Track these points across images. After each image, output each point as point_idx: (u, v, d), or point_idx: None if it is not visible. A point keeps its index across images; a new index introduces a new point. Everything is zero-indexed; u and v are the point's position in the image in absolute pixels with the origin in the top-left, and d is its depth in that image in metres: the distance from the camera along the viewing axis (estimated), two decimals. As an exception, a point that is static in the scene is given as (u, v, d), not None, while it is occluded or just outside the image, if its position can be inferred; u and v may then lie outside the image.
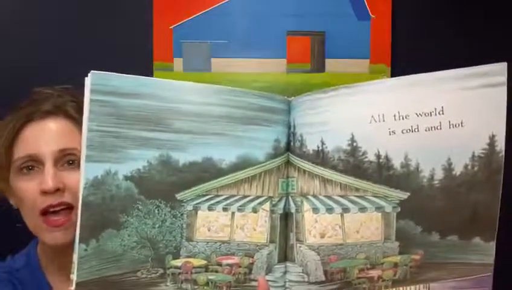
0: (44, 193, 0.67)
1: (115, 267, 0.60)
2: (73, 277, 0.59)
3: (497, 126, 0.59)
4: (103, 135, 0.59)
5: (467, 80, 0.58)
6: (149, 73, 1.02)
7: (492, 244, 0.62)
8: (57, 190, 0.67)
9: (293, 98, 0.65)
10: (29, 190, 0.68)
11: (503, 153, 0.60)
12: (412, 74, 0.90)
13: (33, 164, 0.69)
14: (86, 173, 0.59)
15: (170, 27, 1.01)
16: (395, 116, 0.59)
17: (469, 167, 0.60)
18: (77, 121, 0.70)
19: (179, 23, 1.01)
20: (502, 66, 0.57)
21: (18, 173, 0.69)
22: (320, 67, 1.01)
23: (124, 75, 0.63)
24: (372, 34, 1.01)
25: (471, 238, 0.61)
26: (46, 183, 0.67)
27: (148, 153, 0.61)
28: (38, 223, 0.69)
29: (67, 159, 0.70)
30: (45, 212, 0.68)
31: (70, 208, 0.68)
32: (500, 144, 0.59)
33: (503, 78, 0.58)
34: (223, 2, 1.00)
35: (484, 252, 0.61)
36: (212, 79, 1.00)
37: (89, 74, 0.60)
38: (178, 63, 1.01)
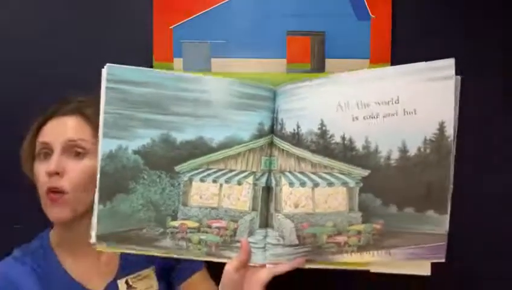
0: (47, 174, 0.77)
1: (125, 224, 0.74)
2: (93, 232, 0.73)
3: (447, 114, 0.67)
4: (116, 117, 0.73)
5: (419, 73, 0.67)
6: None
7: (445, 217, 0.70)
8: (57, 174, 0.77)
9: (277, 86, 0.76)
10: (41, 172, 0.78)
11: (452, 137, 0.68)
12: None
13: (47, 151, 0.79)
14: (103, 147, 0.72)
15: (170, 27, 1.01)
16: (357, 104, 0.69)
17: (421, 150, 0.69)
18: (90, 118, 0.79)
19: (179, 23, 1.02)
20: (450, 62, 0.66)
21: (37, 158, 0.80)
22: (320, 67, 1.02)
23: (133, 67, 0.76)
24: (372, 34, 1.01)
25: (426, 211, 0.70)
26: (48, 167, 0.77)
27: (152, 132, 0.74)
28: (44, 201, 0.79)
29: (75, 150, 0.79)
30: (48, 192, 0.78)
31: (64, 192, 0.77)
32: (449, 130, 0.68)
33: (452, 72, 0.66)
34: (223, 2, 1.01)
35: (437, 223, 0.70)
36: None
37: (105, 66, 0.74)
38: (178, 63, 1.02)
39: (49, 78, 0.98)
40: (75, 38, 1.03)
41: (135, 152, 0.73)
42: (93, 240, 0.73)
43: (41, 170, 0.79)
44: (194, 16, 1.02)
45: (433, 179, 0.69)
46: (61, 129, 0.80)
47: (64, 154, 0.78)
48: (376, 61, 1.02)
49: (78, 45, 1.03)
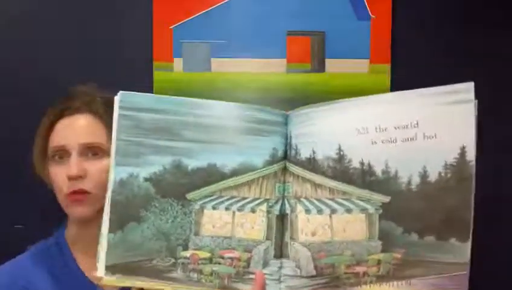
0: (70, 178, 0.79)
1: (135, 254, 0.71)
2: (100, 263, 0.70)
3: (467, 138, 0.66)
4: (128, 144, 0.71)
5: (438, 97, 0.66)
6: (149, 73, 1.02)
7: (467, 245, 0.67)
8: (79, 177, 0.79)
9: (290, 111, 0.75)
10: (59, 175, 0.80)
11: (474, 162, 0.66)
12: (412, 73, 0.94)
13: (62, 153, 0.80)
14: (114, 175, 0.70)
15: (170, 27, 1.01)
16: (376, 128, 0.68)
17: (442, 175, 0.67)
18: (102, 117, 0.81)
19: (179, 23, 1.02)
20: (469, 86, 0.65)
21: (52, 160, 0.82)
22: (320, 67, 1.01)
23: (145, 94, 0.74)
24: (372, 34, 1.01)
25: (448, 239, 0.68)
26: (71, 170, 0.78)
27: (163, 159, 0.71)
28: (65, 201, 0.81)
29: (92, 151, 0.80)
30: (70, 194, 0.80)
31: (88, 192, 0.80)
32: (470, 154, 0.66)
33: (471, 96, 0.65)
34: (223, 2, 1.01)
35: (459, 252, 0.67)
36: (212, 79, 1.01)
37: (118, 93, 0.72)
38: (178, 63, 1.02)
39: (48, 78, 0.97)
40: (75, 39, 1.03)
41: (146, 179, 0.71)
42: (100, 272, 0.70)
43: (60, 172, 0.80)
44: (194, 16, 1.02)
45: (455, 205, 0.67)
46: (75, 131, 0.81)
47: (82, 155, 0.80)
48: (376, 61, 1.02)
49: (78, 45, 1.03)
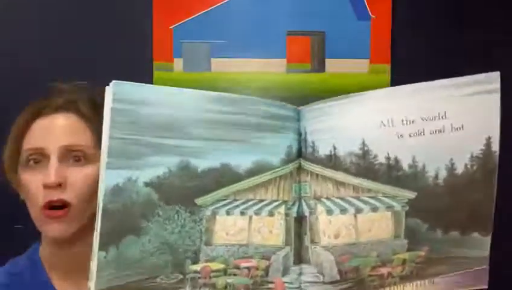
0: (47, 187, 0.67)
1: (134, 273, 0.60)
2: (91, 285, 0.59)
3: (493, 129, 0.65)
4: (124, 143, 0.60)
5: (465, 87, 0.65)
6: (149, 73, 1.02)
7: (489, 239, 0.67)
8: (59, 185, 0.67)
9: (302, 107, 0.69)
10: (33, 182, 0.68)
11: (498, 153, 0.66)
12: (412, 73, 0.94)
13: (39, 157, 0.69)
14: (106, 180, 0.59)
15: (170, 27, 1.01)
16: (402, 121, 0.65)
17: (468, 167, 0.65)
18: (88, 118, 0.71)
19: (179, 23, 1.02)
20: (496, 75, 0.64)
21: (25, 165, 0.70)
22: (320, 67, 1.02)
23: (145, 84, 0.65)
24: (372, 34, 1.03)
25: (471, 233, 0.66)
26: (48, 177, 0.67)
27: (168, 159, 0.62)
28: (39, 216, 0.69)
29: (73, 155, 0.70)
30: (45, 207, 0.68)
31: (66, 205, 0.68)
32: (495, 145, 0.66)
33: (497, 86, 0.65)
34: (223, 2, 1.01)
35: (481, 246, 0.66)
36: (212, 79, 1.01)
37: (110, 84, 0.62)
38: (178, 63, 1.02)
39: (48, 78, 0.91)
40: (75, 39, 1.03)
41: (147, 184, 0.61)
42: None
43: (34, 180, 0.68)
44: (194, 16, 1.02)
45: (479, 198, 0.66)
46: (55, 132, 0.70)
47: (62, 161, 0.69)
48: (376, 61, 1.03)
49: (78, 45, 1.03)
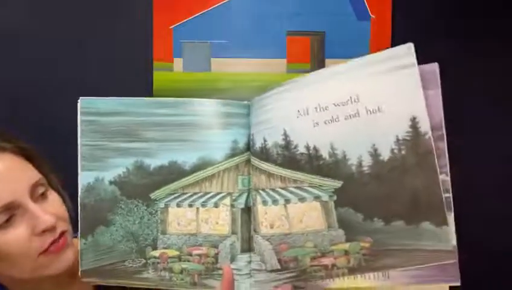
0: (44, 231, 0.64)
1: (107, 257, 0.73)
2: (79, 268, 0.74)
3: (417, 108, 0.57)
4: (91, 148, 0.74)
5: (376, 65, 0.58)
6: (149, 73, 1.02)
7: (446, 229, 0.59)
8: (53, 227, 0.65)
9: (250, 101, 0.72)
10: (19, 239, 0.62)
11: (430, 134, 0.58)
12: None
13: (10, 213, 0.62)
14: (81, 180, 0.74)
15: (170, 27, 1.02)
16: (316, 108, 0.62)
17: (396, 151, 0.59)
18: (16, 151, 0.67)
19: (179, 23, 1.03)
20: (409, 46, 0.56)
21: None
22: (320, 68, 0.97)
23: (105, 97, 0.77)
24: (372, 34, 0.99)
25: (419, 223, 0.60)
26: (44, 222, 0.63)
27: (126, 160, 0.73)
28: (40, 262, 0.65)
29: (39, 192, 0.67)
30: (48, 247, 0.65)
31: (64, 233, 0.68)
32: (424, 126, 0.57)
33: (412, 59, 0.56)
34: (223, 2, 1.02)
35: (437, 237, 0.59)
36: (212, 79, 1.02)
37: (78, 100, 0.76)
38: (178, 63, 1.03)
39: (48, 79, 0.99)
40: (75, 39, 1.04)
41: (111, 182, 0.73)
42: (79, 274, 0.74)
43: (18, 235, 0.62)
44: (194, 16, 1.04)
45: (419, 185, 0.58)
46: (12, 177, 0.63)
47: (34, 201, 0.65)
48: None
49: (78, 45, 1.04)
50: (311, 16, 1.01)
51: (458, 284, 0.60)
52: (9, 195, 0.63)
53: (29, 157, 0.69)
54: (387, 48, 0.95)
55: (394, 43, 0.97)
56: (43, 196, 0.68)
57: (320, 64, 1.01)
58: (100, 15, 1.04)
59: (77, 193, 0.73)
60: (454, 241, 0.59)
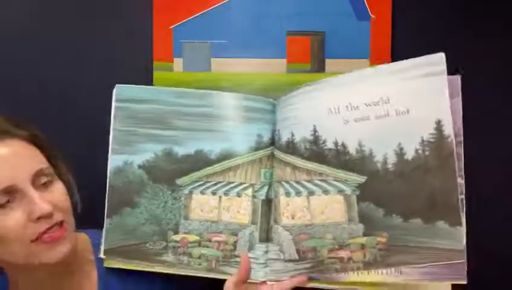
0: (39, 218, 0.63)
1: (130, 238, 0.76)
2: (101, 246, 0.76)
3: (442, 112, 0.62)
4: (123, 133, 0.77)
5: (409, 70, 0.63)
6: (149, 73, 1.02)
7: (460, 230, 0.63)
8: (50, 214, 0.64)
9: (276, 100, 0.76)
10: (14, 223, 0.62)
11: (453, 138, 0.62)
12: None
13: (8, 196, 0.62)
14: (111, 162, 0.76)
15: (170, 27, 1.02)
16: (347, 107, 0.67)
17: (420, 152, 0.64)
18: (28, 138, 0.67)
19: (179, 23, 1.02)
20: (440, 56, 0.62)
21: None
22: (320, 68, 1.00)
23: (140, 86, 0.80)
24: (372, 34, 0.99)
25: (435, 222, 0.63)
26: (40, 209, 0.62)
27: (156, 146, 0.76)
28: (33, 250, 0.63)
29: (41, 180, 0.65)
30: (40, 236, 0.63)
31: (62, 223, 0.66)
32: (448, 130, 0.62)
33: (442, 67, 0.62)
34: (223, 2, 1.01)
35: (451, 237, 0.63)
36: (212, 79, 1.01)
37: (115, 87, 0.79)
38: (178, 63, 1.02)
39: (48, 79, 0.98)
40: (75, 39, 1.04)
41: (139, 166, 0.76)
42: (101, 254, 0.76)
43: (14, 219, 0.62)
44: (194, 16, 1.03)
45: (437, 185, 0.63)
46: (16, 162, 0.64)
47: (35, 188, 0.64)
48: (376, 61, 1.00)
49: (78, 45, 1.04)
50: (311, 16, 1.02)
51: (465, 282, 0.64)
52: (10, 179, 0.63)
53: (39, 146, 0.68)
54: (387, 48, 0.99)
55: (394, 43, 1.00)
56: (46, 184, 0.66)
57: (321, 64, 1.01)
58: (100, 15, 1.04)
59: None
60: (464, 241, 0.63)
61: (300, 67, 1.02)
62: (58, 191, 0.68)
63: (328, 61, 1.01)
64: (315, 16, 1.01)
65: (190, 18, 1.03)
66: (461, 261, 0.63)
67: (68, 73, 1.03)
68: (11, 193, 0.63)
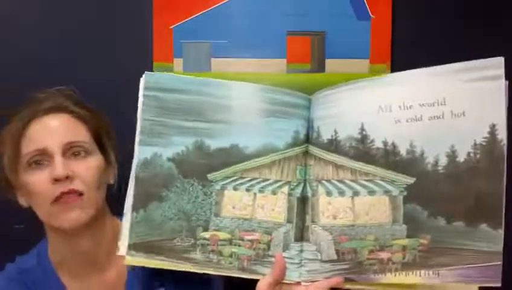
0: (56, 180, 0.70)
1: (156, 233, 0.71)
2: (123, 242, 0.71)
3: (497, 116, 0.62)
4: (152, 124, 0.72)
5: (466, 73, 0.63)
6: None
7: (500, 232, 0.63)
8: (67, 178, 0.71)
9: (312, 94, 0.74)
10: (40, 182, 0.71)
11: (505, 142, 0.63)
12: None
13: (41, 158, 0.72)
14: (139, 154, 0.71)
15: (170, 27, 1.01)
16: (400, 106, 0.65)
17: (472, 155, 0.63)
18: (79, 116, 0.76)
19: (179, 23, 1.01)
20: (499, 60, 0.62)
21: (27, 168, 0.72)
22: (320, 67, 1.01)
23: (169, 74, 0.76)
24: (372, 34, 1.00)
25: (478, 224, 0.64)
26: (57, 171, 0.70)
27: (187, 139, 0.72)
28: (52, 211, 0.71)
29: (74, 151, 0.73)
30: (57, 199, 0.71)
31: (81, 194, 0.72)
32: (501, 134, 0.63)
33: (501, 72, 0.62)
34: (223, 2, 1.01)
35: (492, 239, 0.63)
36: None
37: (143, 74, 0.74)
38: (178, 63, 1.02)
39: (48, 78, 0.94)
40: (75, 38, 1.03)
41: (169, 159, 0.71)
42: (122, 251, 0.70)
43: (40, 180, 0.71)
44: (194, 16, 1.02)
45: (485, 188, 0.63)
46: (55, 131, 0.74)
47: (65, 157, 0.73)
48: (376, 61, 1.00)
49: (78, 45, 1.03)
50: (311, 16, 1.02)
51: (499, 285, 0.65)
52: (44, 143, 0.72)
53: (87, 123, 0.77)
54: (387, 48, 1.01)
55: (394, 43, 1.00)
56: (79, 156, 0.74)
57: (321, 64, 1.01)
58: (100, 15, 1.03)
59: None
60: (502, 244, 0.64)
61: (300, 67, 1.02)
62: (87, 165, 0.74)
63: (328, 61, 1.01)
64: (315, 16, 1.01)
65: (190, 18, 1.02)
66: (498, 263, 0.63)
67: (68, 73, 0.99)
68: (44, 154, 0.72)
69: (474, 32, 1.01)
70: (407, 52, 0.99)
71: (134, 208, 0.70)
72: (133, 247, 0.69)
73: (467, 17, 1.02)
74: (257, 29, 1.02)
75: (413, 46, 1.01)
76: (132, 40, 1.03)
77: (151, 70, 1.00)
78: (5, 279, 0.75)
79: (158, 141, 0.71)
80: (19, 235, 0.88)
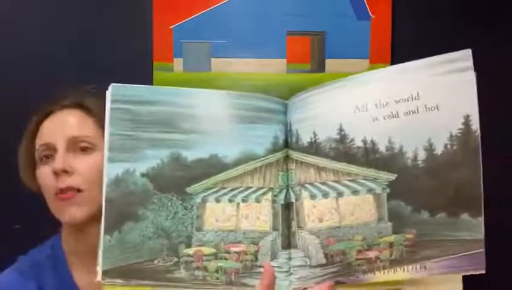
0: (55, 173, 0.74)
1: (135, 255, 0.67)
2: (99, 268, 0.66)
3: (470, 107, 0.65)
4: (122, 138, 0.68)
5: (437, 67, 0.65)
6: (149, 73, 1.02)
7: (481, 220, 0.65)
8: (66, 172, 0.74)
9: (288, 99, 0.73)
10: (45, 174, 0.76)
11: (479, 132, 0.65)
12: None
13: (49, 152, 0.76)
14: (108, 172, 0.67)
15: (170, 27, 1.02)
16: (376, 104, 0.67)
17: (448, 147, 0.65)
18: (93, 112, 0.78)
19: (179, 23, 1.02)
20: (467, 52, 0.65)
21: (39, 163, 0.78)
22: (320, 67, 1.02)
23: (139, 85, 0.73)
24: (372, 34, 1.02)
25: (459, 215, 0.65)
26: (55, 164, 0.74)
27: (161, 152, 0.69)
28: (56, 204, 0.76)
29: (80, 145, 0.76)
30: (57, 194, 0.75)
31: (79, 190, 0.75)
32: (475, 124, 0.65)
33: (469, 63, 0.64)
34: (223, 2, 1.02)
35: (473, 228, 0.64)
36: (212, 79, 1.01)
37: (109, 86, 0.71)
38: (178, 63, 1.02)
39: (48, 78, 0.98)
40: (74, 38, 1.03)
41: (143, 175, 0.68)
42: (99, 277, 0.66)
43: (46, 172, 0.76)
44: (194, 16, 1.03)
45: (463, 178, 0.65)
46: (62, 126, 0.77)
47: (70, 151, 0.76)
48: (376, 61, 1.02)
49: (78, 45, 1.03)
50: (311, 16, 1.03)
51: (483, 272, 0.66)
52: (50, 137, 0.77)
53: (98, 118, 0.77)
54: (387, 48, 1.03)
55: (394, 43, 1.02)
56: (85, 152, 0.77)
57: (321, 64, 1.02)
58: (99, 15, 1.03)
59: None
60: (483, 231, 0.66)
61: (300, 67, 1.02)
62: (92, 160, 0.76)
63: (328, 61, 1.02)
64: (315, 16, 1.02)
65: (190, 18, 1.02)
66: (480, 250, 0.65)
67: (67, 73, 1.00)
68: (50, 149, 0.76)
69: (474, 32, 1.03)
70: (407, 52, 1.01)
71: (107, 231, 0.66)
72: (108, 273, 0.65)
73: (467, 17, 1.04)
74: (257, 29, 1.03)
75: (413, 46, 1.03)
76: (132, 40, 1.03)
77: (152, 71, 1.01)
78: (16, 271, 0.77)
79: (129, 156, 0.68)
80: (18, 235, 0.88)
